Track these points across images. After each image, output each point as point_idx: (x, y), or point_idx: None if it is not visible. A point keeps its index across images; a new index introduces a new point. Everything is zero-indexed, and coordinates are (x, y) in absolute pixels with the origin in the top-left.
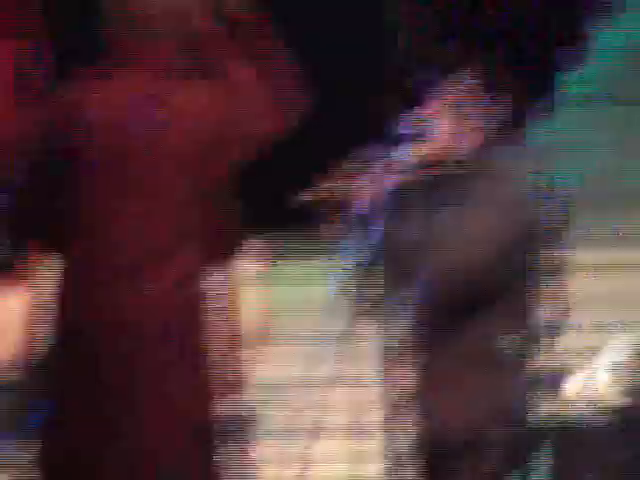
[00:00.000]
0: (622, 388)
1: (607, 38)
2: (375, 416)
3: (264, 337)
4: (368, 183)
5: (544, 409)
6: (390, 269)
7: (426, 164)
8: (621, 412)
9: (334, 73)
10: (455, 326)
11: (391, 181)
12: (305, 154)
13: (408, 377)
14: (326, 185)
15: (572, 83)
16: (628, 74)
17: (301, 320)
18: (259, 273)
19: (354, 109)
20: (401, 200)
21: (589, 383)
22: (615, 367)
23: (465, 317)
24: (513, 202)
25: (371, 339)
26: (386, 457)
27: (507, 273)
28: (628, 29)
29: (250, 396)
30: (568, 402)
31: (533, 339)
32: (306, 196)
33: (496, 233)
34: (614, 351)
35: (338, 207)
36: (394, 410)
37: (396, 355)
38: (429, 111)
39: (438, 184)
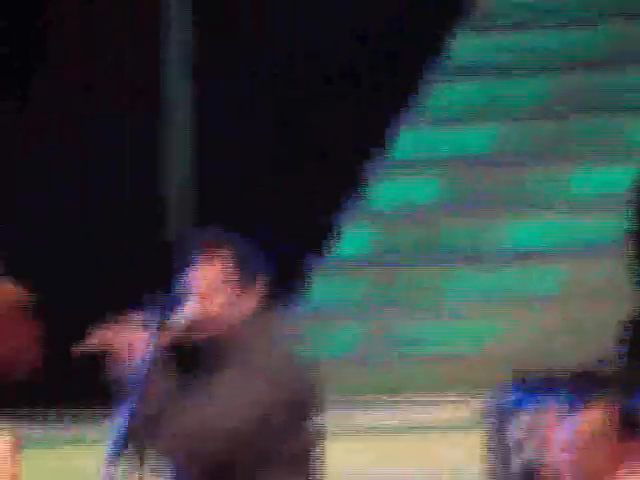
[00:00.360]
0: None
1: None
2: None
3: None
4: (138, 340)
5: None
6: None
7: (197, 326)
8: None
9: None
10: None
11: (162, 341)
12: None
13: None
14: (102, 335)
15: None
16: None
17: None
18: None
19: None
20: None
21: None
22: None
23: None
24: (273, 369)
25: None
26: None
27: (269, 439)
28: None
29: None
30: None
31: None
32: (83, 345)
33: (255, 398)
34: None
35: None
36: None
37: None
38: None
39: (206, 347)
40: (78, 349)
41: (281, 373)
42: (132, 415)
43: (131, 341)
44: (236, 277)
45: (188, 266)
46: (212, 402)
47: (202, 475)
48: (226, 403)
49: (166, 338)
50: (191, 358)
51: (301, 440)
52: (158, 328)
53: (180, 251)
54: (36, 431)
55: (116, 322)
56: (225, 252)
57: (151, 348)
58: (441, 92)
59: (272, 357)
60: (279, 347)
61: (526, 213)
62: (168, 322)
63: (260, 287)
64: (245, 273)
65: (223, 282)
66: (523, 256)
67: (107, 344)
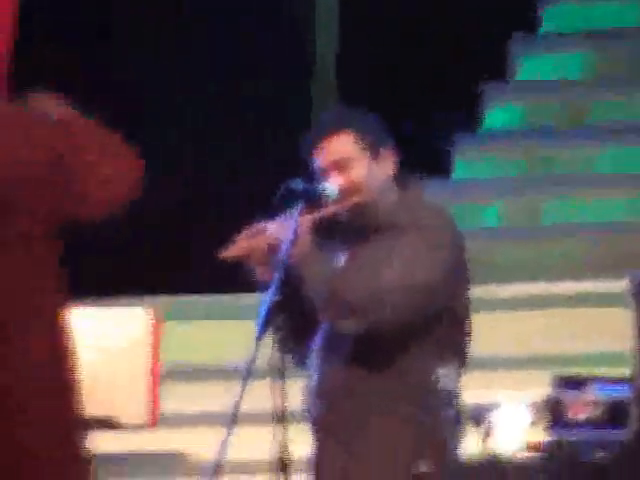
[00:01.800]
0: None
1: None
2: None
3: None
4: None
5: (472, 444)
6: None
7: (349, 192)
8: (543, 448)
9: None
10: (384, 358)
11: (316, 215)
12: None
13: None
14: (244, 238)
15: None
16: None
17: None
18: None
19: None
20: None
21: (513, 419)
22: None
23: (395, 350)
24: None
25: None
26: None
27: (435, 308)
28: None
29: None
30: (494, 437)
31: (461, 374)
32: (226, 252)
33: (423, 266)
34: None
35: (261, 258)
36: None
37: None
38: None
39: (354, 219)
40: (225, 254)
41: (447, 235)
42: (278, 292)
43: (275, 236)
44: (372, 143)
45: (325, 140)
46: (390, 264)
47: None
48: (409, 260)
49: (312, 217)
50: (342, 232)
51: (456, 309)
52: (300, 210)
53: (315, 129)
54: (178, 303)
55: (257, 224)
56: (355, 121)
57: (294, 230)
58: None
59: (436, 220)
60: (436, 212)
61: None
62: (314, 197)
63: (393, 156)
64: (378, 139)
65: (361, 148)
66: None
67: (248, 253)
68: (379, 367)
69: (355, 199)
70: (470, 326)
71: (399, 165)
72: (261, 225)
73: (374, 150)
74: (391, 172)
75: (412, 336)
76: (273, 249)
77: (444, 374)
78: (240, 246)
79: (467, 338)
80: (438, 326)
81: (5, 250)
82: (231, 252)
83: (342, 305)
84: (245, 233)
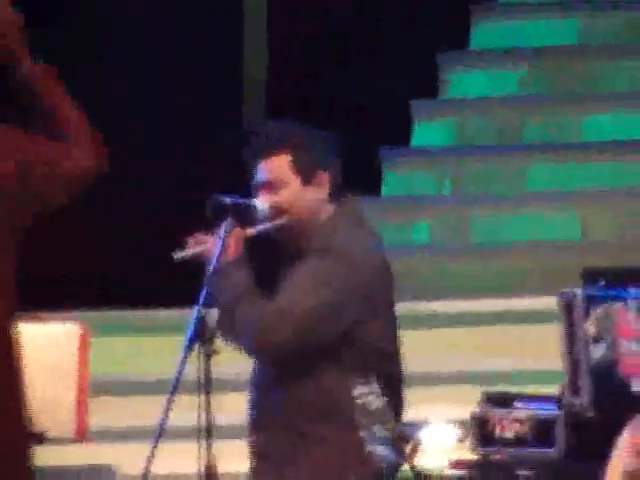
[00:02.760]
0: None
1: None
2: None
3: None
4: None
5: (401, 460)
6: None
7: (276, 213)
8: (470, 466)
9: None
10: (298, 377)
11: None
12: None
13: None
14: (194, 241)
15: None
16: None
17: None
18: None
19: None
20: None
21: (441, 436)
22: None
23: (310, 367)
24: (349, 255)
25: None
26: None
27: (329, 334)
28: None
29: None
30: (422, 454)
31: (391, 390)
32: (179, 253)
33: (332, 283)
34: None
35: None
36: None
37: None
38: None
39: (280, 238)
40: (178, 255)
41: (357, 258)
42: (206, 304)
43: (215, 242)
44: (305, 167)
45: (258, 158)
46: (287, 287)
47: (273, 362)
48: (301, 287)
49: (239, 234)
50: (265, 250)
51: (372, 330)
52: (230, 223)
53: (250, 143)
54: (107, 318)
55: (204, 229)
56: (294, 142)
57: (222, 242)
58: None
59: (348, 244)
60: (354, 235)
61: (610, 106)
62: (243, 212)
63: (331, 177)
64: (314, 163)
65: (293, 172)
66: (606, 147)
67: (200, 250)
68: (293, 391)
69: (281, 220)
70: (392, 347)
71: (336, 186)
72: (203, 235)
73: (308, 174)
74: (324, 195)
75: (318, 358)
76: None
77: (366, 392)
78: (193, 247)
79: (389, 359)
80: (349, 348)
81: None
82: (186, 253)
83: (234, 322)
84: (193, 237)
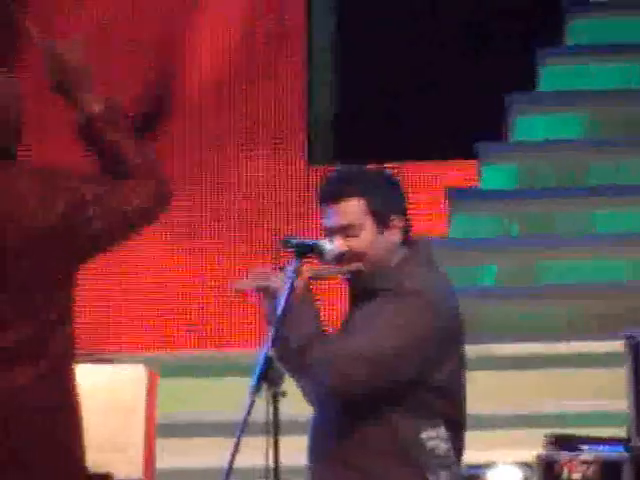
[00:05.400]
0: None
1: None
2: None
3: None
4: (290, 274)
5: None
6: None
7: (353, 257)
8: None
9: None
10: (366, 417)
11: (304, 277)
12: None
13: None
14: (256, 274)
15: None
16: None
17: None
18: None
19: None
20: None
21: (508, 478)
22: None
23: (380, 408)
24: (421, 301)
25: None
26: None
27: (393, 380)
28: None
29: None
30: None
31: (456, 429)
32: (239, 284)
33: (403, 327)
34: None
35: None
36: None
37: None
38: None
39: (352, 282)
40: (237, 286)
41: (432, 301)
42: (275, 346)
43: (282, 280)
44: (380, 211)
45: (333, 202)
46: (364, 329)
47: (347, 402)
48: (378, 329)
49: (307, 275)
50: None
51: (443, 373)
52: (298, 264)
53: (325, 187)
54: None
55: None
56: (367, 186)
57: (291, 283)
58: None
59: (423, 286)
60: (428, 278)
61: None
62: (312, 253)
63: (401, 223)
64: (388, 207)
65: (365, 216)
66: None
67: (264, 284)
68: (360, 431)
69: (354, 266)
70: (458, 394)
71: (408, 228)
72: (268, 270)
73: (382, 218)
74: (397, 239)
75: (389, 400)
76: (274, 295)
77: (433, 436)
78: (253, 280)
79: (455, 404)
80: (418, 391)
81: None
82: (244, 284)
83: (299, 361)
84: (256, 271)
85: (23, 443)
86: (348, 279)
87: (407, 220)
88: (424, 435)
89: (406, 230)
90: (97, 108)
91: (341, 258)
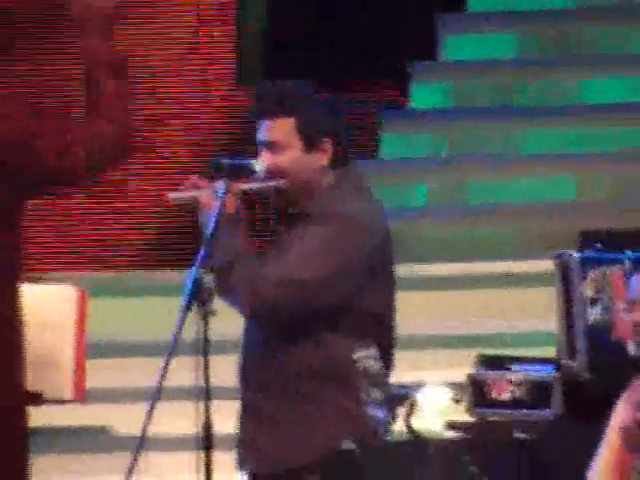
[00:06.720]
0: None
1: None
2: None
3: None
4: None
5: (395, 423)
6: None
7: (276, 174)
8: (466, 428)
9: None
10: (296, 339)
11: (234, 193)
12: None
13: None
14: (190, 184)
15: None
16: None
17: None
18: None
19: None
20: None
21: (436, 398)
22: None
23: (309, 330)
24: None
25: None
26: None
27: (322, 303)
28: None
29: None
30: (417, 417)
31: (386, 350)
32: (175, 194)
33: (330, 247)
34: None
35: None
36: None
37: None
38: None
39: (278, 201)
40: (173, 197)
41: (360, 225)
42: (204, 265)
43: (212, 195)
44: (309, 132)
45: (263, 117)
46: (289, 252)
47: (269, 325)
48: (304, 254)
49: (237, 190)
50: (263, 212)
51: (374, 299)
52: (226, 182)
53: (257, 101)
54: (105, 280)
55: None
56: (300, 106)
57: (221, 201)
58: None
59: (350, 210)
60: (357, 202)
61: (607, 69)
62: (241, 171)
63: (334, 144)
64: (318, 129)
65: (293, 135)
66: (602, 110)
67: (197, 195)
68: (291, 353)
69: (278, 182)
70: (388, 315)
71: (339, 152)
72: (200, 182)
73: (311, 140)
74: (325, 162)
75: (317, 322)
76: (205, 209)
77: (364, 356)
78: (189, 190)
79: (387, 328)
80: (348, 314)
81: None
82: (179, 195)
83: (230, 282)
84: (191, 181)
85: None
86: (275, 200)
87: (339, 144)
88: (356, 355)
89: (337, 153)
90: (104, 57)
91: (268, 175)
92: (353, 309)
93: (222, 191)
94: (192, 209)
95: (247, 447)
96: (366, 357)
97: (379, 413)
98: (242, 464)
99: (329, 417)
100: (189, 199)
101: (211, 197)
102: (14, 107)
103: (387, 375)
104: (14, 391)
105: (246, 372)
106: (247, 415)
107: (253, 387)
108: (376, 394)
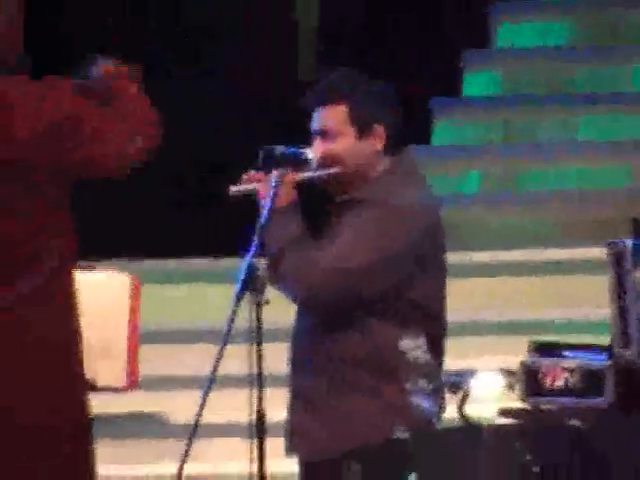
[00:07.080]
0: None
1: None
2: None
3: None
4: (275, 180)
5: (448, 411)
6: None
7: (329, 162)
8: (518, 415)
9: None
10: (344, 327)
11: (287, 184)
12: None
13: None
14: (247, 177)
15: None
16: None
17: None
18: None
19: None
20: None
21: (489, 385)
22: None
23: (357, 318)
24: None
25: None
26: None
27: (374, 291)
28: None
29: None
30: (470, 404)
31: (436, 340)
32: (234, 188)
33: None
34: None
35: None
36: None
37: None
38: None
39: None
40: (233, 190)
41: (413, 213)
42: (258, 254)
43: (267, 187)
44: (362, 120)
45: (315, 106)
46: (343, 239)
47: (322, 312)
48: (356, 240)
49: (291, 181)
50: (317, 200)
51: (423, 289)
52: (281, 172)
53: (309, 91)
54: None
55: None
56: (352, 94)
57: (274, 191)
58: None
59: (403, 198)
60: (410, 189)
61: None
62: (294, 161)
63: (387, 131)
64: (371, 116)
65: (346, 123)
66: None
67: (255, 187)
68: (338, 341)
69: (332, 170)
70: (437, 307)
71: (392, 139)
72: (257, 175)
73: (363, 126)
74: (378, 148)
75: (366, 310)
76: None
77: (412, 346)
78: (247, 182)
79: (435, 318)
80: (395, 303)
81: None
82: (236, 188)
83: (276, 269)
84: (247, 174)
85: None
86: (328, 188)
87: (391, 131)
88: (403, 345)
89: (390, 140)
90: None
91: (321, 164)
92: (402, 298)
93: (276, 181)
94: (251, 199)
95: (295, 433)
96: (414, 347)
97: (425, 403)
98: (290, 450)
99: (372, 406)
100: (248, 192)
101: (268, 188)
102: (62, 90)
103: (437, 365)
104: (74, 382)
105: (295, 358)
106: (296, 401)
107: (302, 374)
108: (423, 384)
